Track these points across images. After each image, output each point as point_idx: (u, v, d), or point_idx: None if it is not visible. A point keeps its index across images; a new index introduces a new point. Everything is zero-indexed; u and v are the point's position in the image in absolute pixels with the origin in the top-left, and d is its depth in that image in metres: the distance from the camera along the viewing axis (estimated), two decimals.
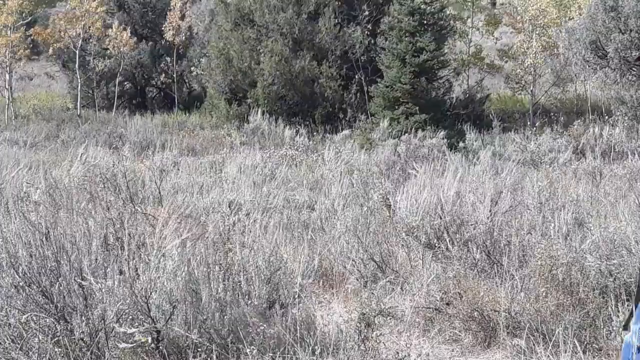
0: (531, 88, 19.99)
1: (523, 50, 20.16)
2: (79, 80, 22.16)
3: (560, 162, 12.05)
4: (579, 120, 16.96)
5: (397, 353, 3.70)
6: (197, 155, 14.65)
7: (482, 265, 4.83)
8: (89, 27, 22.07)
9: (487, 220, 5.20)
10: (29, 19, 23.77)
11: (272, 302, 4.02)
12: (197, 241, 4.03)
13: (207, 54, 22.02)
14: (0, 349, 3.40)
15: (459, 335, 4.30)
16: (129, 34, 22.84)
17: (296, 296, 4.10)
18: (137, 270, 3.60)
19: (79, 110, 21.80)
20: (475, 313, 4.28)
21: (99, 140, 15.92)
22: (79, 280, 3.54)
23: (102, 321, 3.41)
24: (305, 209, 7.80)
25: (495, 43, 26.43)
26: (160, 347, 3.50)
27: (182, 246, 3.88)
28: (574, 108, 20.82)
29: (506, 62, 24.59)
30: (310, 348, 3.38)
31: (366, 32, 19.08)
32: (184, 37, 23.73)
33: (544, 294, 4.05)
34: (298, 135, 16.22)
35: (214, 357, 3.39)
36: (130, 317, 3.51)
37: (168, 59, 24.67)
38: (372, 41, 18.84)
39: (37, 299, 3.50)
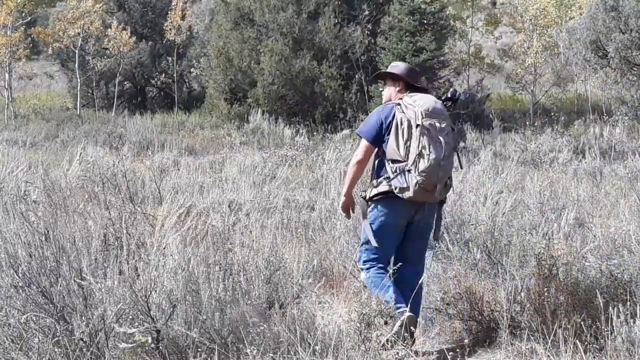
0: (531, 88, 20.00)
1: (523, 50, 20.18)
2: (79, 80, 22.17)
3: (560, 162, 12.05)
4: (580, 120, 16.97)
5: (397, 353, 3.69)
6: (197, 155, 14.64)
7: (483, 266, 4.82)
8: (88, 26, 22.09)
9: (487, 220, 5.20)
10: (29, 18, 23.79)
11: (272, 302, 4.01)
12: (197, 240, 4.02)
13: (207, 54, 22.04)
14: (0, 349, 3.40)
15: (459, 336, 4.30)
16: (129, 34, 22.86)
17: (296, 296, 4.09)
18: (137, 270, 3.59)
19: (78, 110, 21.81)
20: (476, 313, 4.28)
21: (99, 140, 15.93)
22: (78, 280, 3.53)
23: (102, 321, 3.41)
24: (305, 209, 7.79)
25: (496, 43, 26.47)
26: (160, 347, 3.49)
27: (182, 245, 3.87)
28: (575, 108, 20.85)
29: (506, 61, 24.62)
30: (310, 348, 3.37)
31: (366, 31, 19.07)
32: (184, 37, 23.73)
33: (544, 294, 4.04)
34: (298, 135, 16.21)
35: (214, 357, 3.38)
36: (130, 317, 3.51)
37: (168, 58, 24.68)
38: (372, 41, 18.84)
39: (37, 299, 3.50)
